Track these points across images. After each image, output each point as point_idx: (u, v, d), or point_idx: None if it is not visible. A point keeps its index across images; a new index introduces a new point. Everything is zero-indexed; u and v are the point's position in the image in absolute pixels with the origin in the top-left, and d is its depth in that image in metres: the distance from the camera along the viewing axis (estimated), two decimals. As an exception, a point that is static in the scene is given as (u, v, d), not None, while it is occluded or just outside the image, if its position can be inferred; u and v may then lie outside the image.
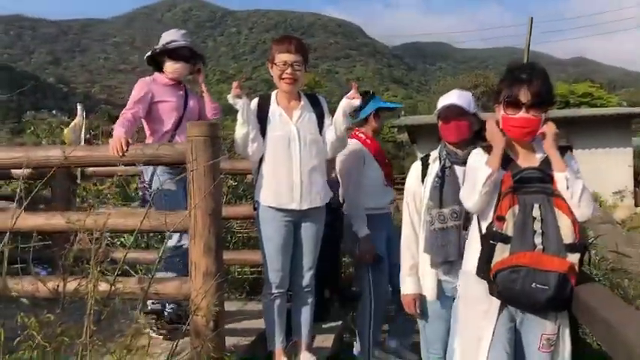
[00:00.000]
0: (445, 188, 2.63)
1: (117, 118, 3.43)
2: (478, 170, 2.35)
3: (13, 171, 3.94)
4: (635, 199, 16.90)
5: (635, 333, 1.49)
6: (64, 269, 1.86)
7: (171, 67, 3.56)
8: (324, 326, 4.14)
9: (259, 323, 3.64)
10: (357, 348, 3.86)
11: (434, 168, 2.76)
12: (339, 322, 4.40)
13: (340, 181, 3.77)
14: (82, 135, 4.32)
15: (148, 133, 3.58)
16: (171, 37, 3.60)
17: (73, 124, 4.40)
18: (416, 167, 2.90)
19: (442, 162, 2.73)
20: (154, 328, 3.29)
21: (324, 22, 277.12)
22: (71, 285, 1.85)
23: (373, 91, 4.02)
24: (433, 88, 48.28)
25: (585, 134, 17.35)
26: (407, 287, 2.86)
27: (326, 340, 3.85)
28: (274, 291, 3.09)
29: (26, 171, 3.72)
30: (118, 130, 3.16)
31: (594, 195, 14.60)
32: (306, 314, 3.24)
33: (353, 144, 3.65)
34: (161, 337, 3.28)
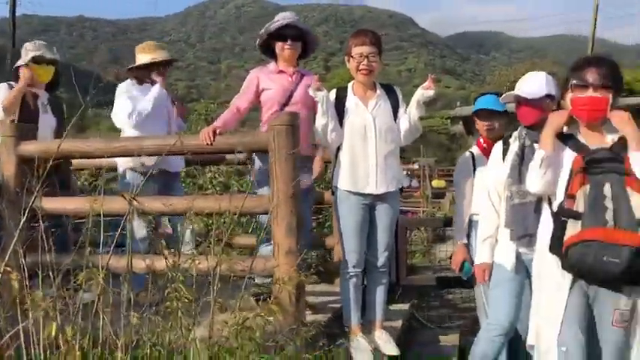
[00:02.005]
0: (524, 166, 2.72)
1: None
2: (536, 153, 2.49)
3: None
4: None
5: None
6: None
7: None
8: (391, 308, 4.32)
9: (332, 302, 3.87)
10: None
11: (514, 147, 2.88)
12: (407, 306, 4.58)
13: None
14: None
15: None
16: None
17: None
18: (497, 147, 3.05)
19: (522, 141, 2.84)
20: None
21: (375, 14, 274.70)
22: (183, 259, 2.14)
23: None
24: (488, 79, 47.11)
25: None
26: (481, 257, 3.02)
27: (395, 323, 4.02)
28: (351, 270, 3.27)
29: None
30: None
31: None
32: (380, 294, 3.41)
33: (465, 154, 3.67)
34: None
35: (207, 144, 3.17)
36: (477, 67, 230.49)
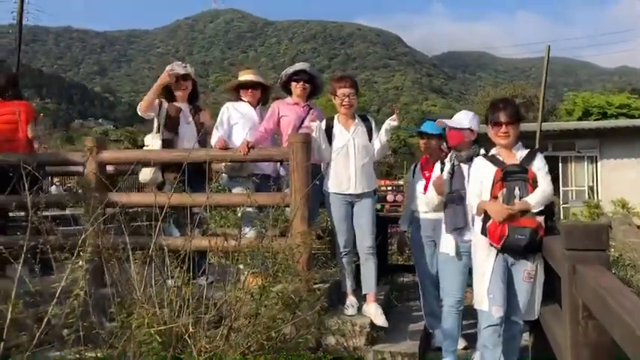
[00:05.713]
0: (454, 179, 3.93)
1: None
2: (473, 202, 3.67)
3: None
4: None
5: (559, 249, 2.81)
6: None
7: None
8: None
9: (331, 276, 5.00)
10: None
11: (447, 166, 4.05)
12: (387, 288, 5.73)
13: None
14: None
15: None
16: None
17: None
18: (437, 166, 4.24)
19: (452, 162, 4.02)
20: None
21: (364, 32, 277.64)
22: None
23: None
24: (474, 99, 48.50)
25: (616, 144, 18.24)
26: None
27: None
28: (343, 250, 4.40)
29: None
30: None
31: (622, 201, 15.50)
32: (370, 270, 4.43)
33: (413, 164, 4.92)
34: None
35: (244, 154, 4.37)
36: (462, 86, 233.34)
